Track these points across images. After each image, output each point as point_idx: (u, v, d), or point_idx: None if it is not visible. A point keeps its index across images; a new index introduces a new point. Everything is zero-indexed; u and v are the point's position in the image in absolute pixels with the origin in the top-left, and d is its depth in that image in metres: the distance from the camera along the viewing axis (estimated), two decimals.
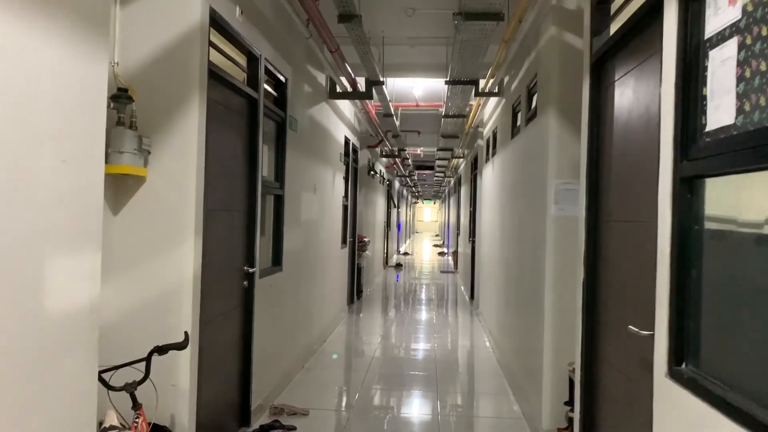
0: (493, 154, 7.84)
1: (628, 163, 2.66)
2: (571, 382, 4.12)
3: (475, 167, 11.31)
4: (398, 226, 23.99)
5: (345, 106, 8.41)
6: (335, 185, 7.90)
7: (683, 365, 1.98)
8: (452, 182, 20.94)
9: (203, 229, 3.41)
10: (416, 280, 15.21)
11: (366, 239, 10.92)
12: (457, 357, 7.19)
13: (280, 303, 5.24)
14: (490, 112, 8.32)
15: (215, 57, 3.72)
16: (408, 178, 22.53)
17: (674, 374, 1.99)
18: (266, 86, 4.80)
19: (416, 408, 5.17)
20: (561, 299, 4.15)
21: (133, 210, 3.33)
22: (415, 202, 44.62)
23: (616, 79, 2.83)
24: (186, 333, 2.91)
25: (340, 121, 8.13)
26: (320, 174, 6.80)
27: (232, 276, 4.09)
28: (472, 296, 11.26)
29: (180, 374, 3.29)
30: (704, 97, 1.86)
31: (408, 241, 32.56)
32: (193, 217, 3.29)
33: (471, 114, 8.82)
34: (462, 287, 13.27)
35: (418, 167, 20.88)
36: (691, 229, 1.97)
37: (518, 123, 6.01)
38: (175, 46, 3.31)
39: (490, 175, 8.17)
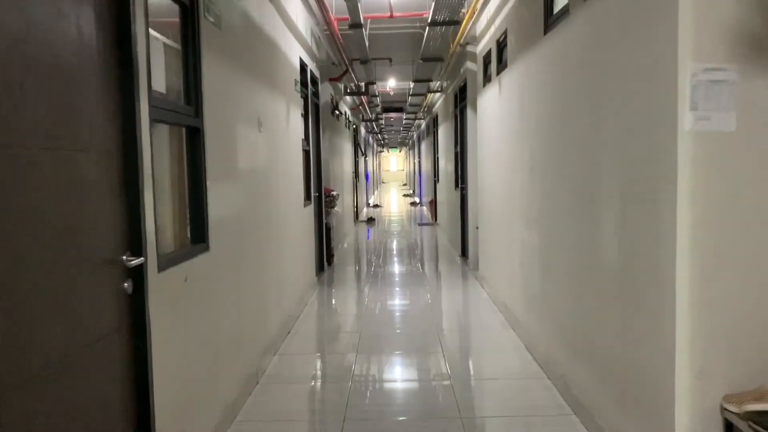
0: (500, 71, 5.87)
1: None
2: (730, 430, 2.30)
3: (461, 99, 9.33)
4: (366, 177, 22.02)
5: (299, 14, 6.30)
6: (290, 123, 5.87)
7: None
8: (424, 125, 18.95)
9: None
10: (393, 235, 13.35)
11: (334, 193, 8.96)
12: (475, 352, 5.38)
13: (209, 302, 3.27)
14: (490, 16, 6.32)
15: None
16: (374, 123, 20.44)
17: None
18: None
19: None
20: (711, 280, 2.29)
21: None
22: (381, 151, 42.56)
23: None
24: None
25: (293, 37, 6.04)
26: (267, 103, 4.76)
27: (87, 278, 2.10)
28: (463, 253, 9.45)
29: None
30: None
31: (376, 193, 30.64)
32: None
33: (463, 23, 6.79)
34: (448, 242, 11.46)
35: (386, 110, 18.78)
36: None
37: (556, 7, 4.04)
38: None
39: (495, 100, 6.22)
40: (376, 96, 12.69)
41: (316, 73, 7.99)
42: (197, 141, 3.15)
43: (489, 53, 6.53)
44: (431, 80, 10.23)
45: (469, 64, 8.28)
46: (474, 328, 5.82)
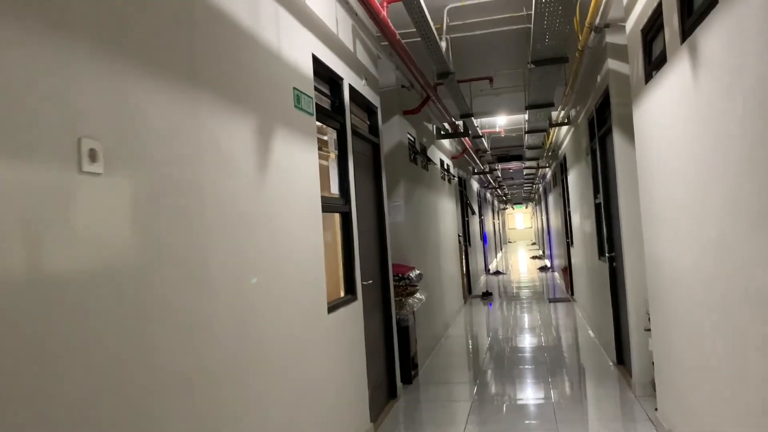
0: (693, 28, 2.78)
1: None
2: None
3: (600, 123, 6.22)
4: (484, 239, 18.87)
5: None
6: (276, 165, 3.11)
7: None
8: (549, 173, 15.65)
9: None
10: (512, 321, 10.05)
11: (413, 274, 6.04)
12: None
13: None
14: None
15: None
16: (489, 176, 17.42)
17: None
18: None
19: None
20: None
21: None
22: (504, 208, 39.17)
23: None
24: None
25: (289, 15, 3.37)
26: (143, 111, 2.03)
27: None
28: (620, 359, 6.10)
29: None
30: None
31: (499, 255, 27.20)
32: None
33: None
34: (591, 332, 8.05)
35: (501, 158, 15.76)
36: None
37: None
38: None
39: (683, 94, 3.08)
40: (480, 137, 9.75)
41: (372, 100, 5.28)
42: None
43: (656, 13, 3.46)
44: (552, 105, 7.21)
45: (611, 64, 5.21)
46: None
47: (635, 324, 5.18)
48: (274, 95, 3.12)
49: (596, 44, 5.25)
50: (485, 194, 21.35)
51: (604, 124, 6.03)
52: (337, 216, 4.38)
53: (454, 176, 11.28)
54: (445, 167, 10.21)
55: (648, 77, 3.82)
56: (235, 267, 2.54)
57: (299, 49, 3.53)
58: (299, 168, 3.40)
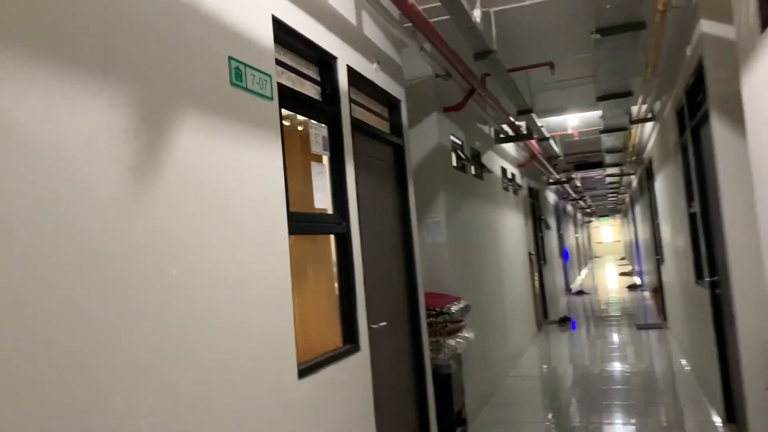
0: None
1: None
2: None
3: (693, 109, 4.86)
4: (564, 255, 17.25)
5: None
6: (201, 170, 2.09)
7: None
8: (635, 181, 13.97)
9: None
10: (596, 355, 8.57)
11: (456, 306, 4.85)
12: None
13: None
14: None
15: None
16: (567, 186, 15.87)
17: None
18: None
19: None
20: None
21: None
22: (589, 221, 36.86)
23: None
24: None
25: None
26: None
27: None
28: (730, 416, 4.66)
29: None
30: None
31: (584, 272, 25.20)
32: None
33: None
34: (690, 369, 6.53)
35: (579, 166, 14.23)
36: None
37: None
38: None
39: None
40: (546, 139, 8.44)
41: (393, 91, 4.21)
42: None
43: None
44: (630, 94, 5.87)
45: (704, 27, 3.90)
46: None
47: (752, 376, 3.79)
48: (184, 64, 2.11)
49: (683, 2, 3.96)
50: (564, 206, 19.69)
51: (697, 111, 4.68)
52: (332, 239, 3.32)
53: (521, 186, 9.97)
54: (509, 176, 8.95)
55: (766, 22, 2.54)
56: (64, 343, 1.52)
57: (242, 5, 2.51)
58: (244, 174, 2.37)
